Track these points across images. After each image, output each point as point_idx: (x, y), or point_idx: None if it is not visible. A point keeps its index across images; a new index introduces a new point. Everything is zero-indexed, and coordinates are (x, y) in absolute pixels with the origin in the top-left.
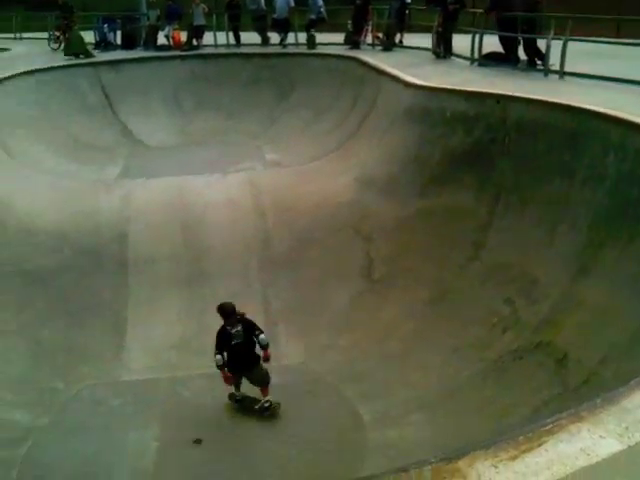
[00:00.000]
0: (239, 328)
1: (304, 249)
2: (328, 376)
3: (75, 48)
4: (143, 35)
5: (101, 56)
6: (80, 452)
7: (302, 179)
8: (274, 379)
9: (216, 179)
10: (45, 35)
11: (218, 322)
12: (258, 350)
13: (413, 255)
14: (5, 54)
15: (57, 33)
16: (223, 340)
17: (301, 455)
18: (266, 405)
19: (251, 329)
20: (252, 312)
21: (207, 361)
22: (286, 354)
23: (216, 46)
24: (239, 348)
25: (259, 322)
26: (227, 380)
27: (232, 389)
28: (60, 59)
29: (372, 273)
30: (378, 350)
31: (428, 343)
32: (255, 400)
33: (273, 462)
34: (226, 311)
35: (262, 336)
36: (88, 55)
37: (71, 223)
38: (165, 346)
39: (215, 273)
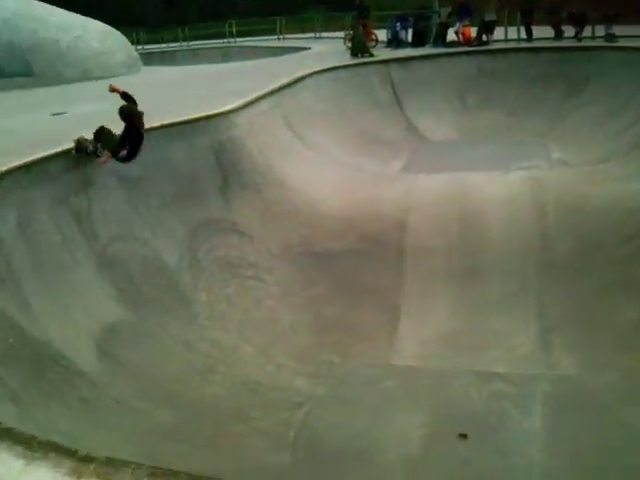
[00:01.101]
0: None
1: (588, 255)
2: (605, 395)
3: (358, 48)
4: (433, 32)
5: (392, 54)
6: (350, 426)
7: (590, 180)
8: (545, 387)
9: (496, 176)
10: (341, 34)
11: (489, 320)
12: None
13: None
14: (307, 52)
15: (352, 32)
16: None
17: (569, 468)
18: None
19: None
20: (525, 315)
21: (478, 359)
22: (559, 364)
23: (506, 41)
24: None
25: (531, 326)
26: None
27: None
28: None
29: None
30: None
31: None
32: None
33: (539, 470)
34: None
35: None
36: (369, 55)
37: (356, 211)
38: (435, 338)
39: (489, 270)
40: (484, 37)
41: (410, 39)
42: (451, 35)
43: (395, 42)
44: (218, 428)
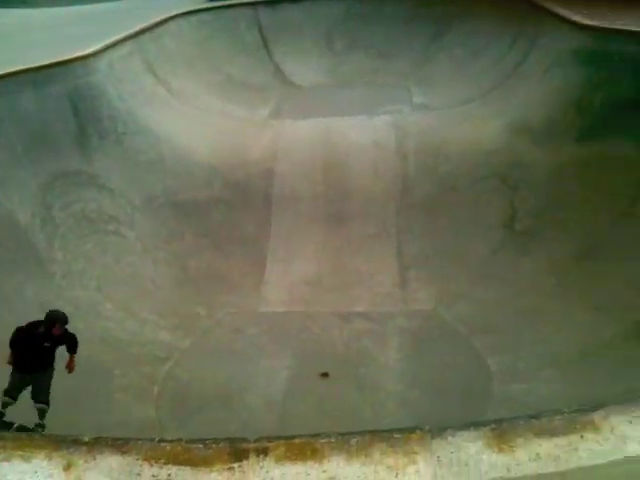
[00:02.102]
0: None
1: (445, 196)
2: (458, 325)
3: None
4: None
5: None
6: (217, 375)
7: (451, 122)
8: (402, 322)
9: (361, 121)
10: None
11: (352, 262)
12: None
13: (562, 207)
14: None
15: None
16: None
17: (423, 397)
18: None
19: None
20: (385, 255)
21: (341, 300)
22: (416, 299)
23: None
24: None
25: (391, 265)
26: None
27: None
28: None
29: (514, 224)
30: (514, 303)
31: (568, 300)
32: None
33: (395, 401)
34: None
35: None
36: None
37: (222, 159)
38: (301, 282)
39: (353, 214)
40: None
41: None
42: None
43: None
44: (77, 387)
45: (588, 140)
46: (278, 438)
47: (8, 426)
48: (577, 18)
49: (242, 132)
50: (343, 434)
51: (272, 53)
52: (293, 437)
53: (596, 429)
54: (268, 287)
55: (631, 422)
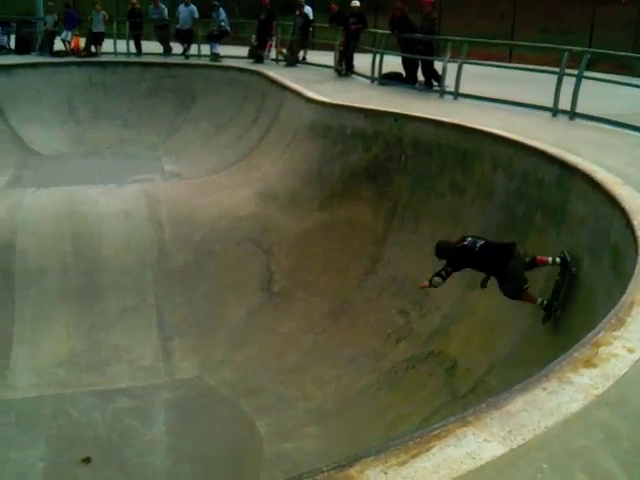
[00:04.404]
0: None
1: (201, 262)
2: (224, 390)
3: None
4: (39, 40)
5: None
6: None
7: (201, 191)
8: (167, 394)
9: (110, 190)
10: None
11: (109, 337)
12: None
13: (313, 268)
14: None
15: None
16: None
17: (194, 471)
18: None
19: None
20: (146, 327)
21: (100, 378)
22: (180, 369)
23: (116, 54)
24: None
25: (152, 337)
26: None
27: None
28: None
29: (272, 286)
30: (276, 364)
31: (325, 355)
32: None
33: (163, 478)
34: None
35: None
36: None
37: None
38: (52, 363)
39: (108, 286)
40: (93, 48)
41: (13, 46)
42: (59, 44)
43: None
44: None
45: (330, 207)
46: None
47: None
48: (312, 94)
49: None
50: None
51: (8, 119)
52: None
53: None
54: (15, 372)
55: (386, 473)
